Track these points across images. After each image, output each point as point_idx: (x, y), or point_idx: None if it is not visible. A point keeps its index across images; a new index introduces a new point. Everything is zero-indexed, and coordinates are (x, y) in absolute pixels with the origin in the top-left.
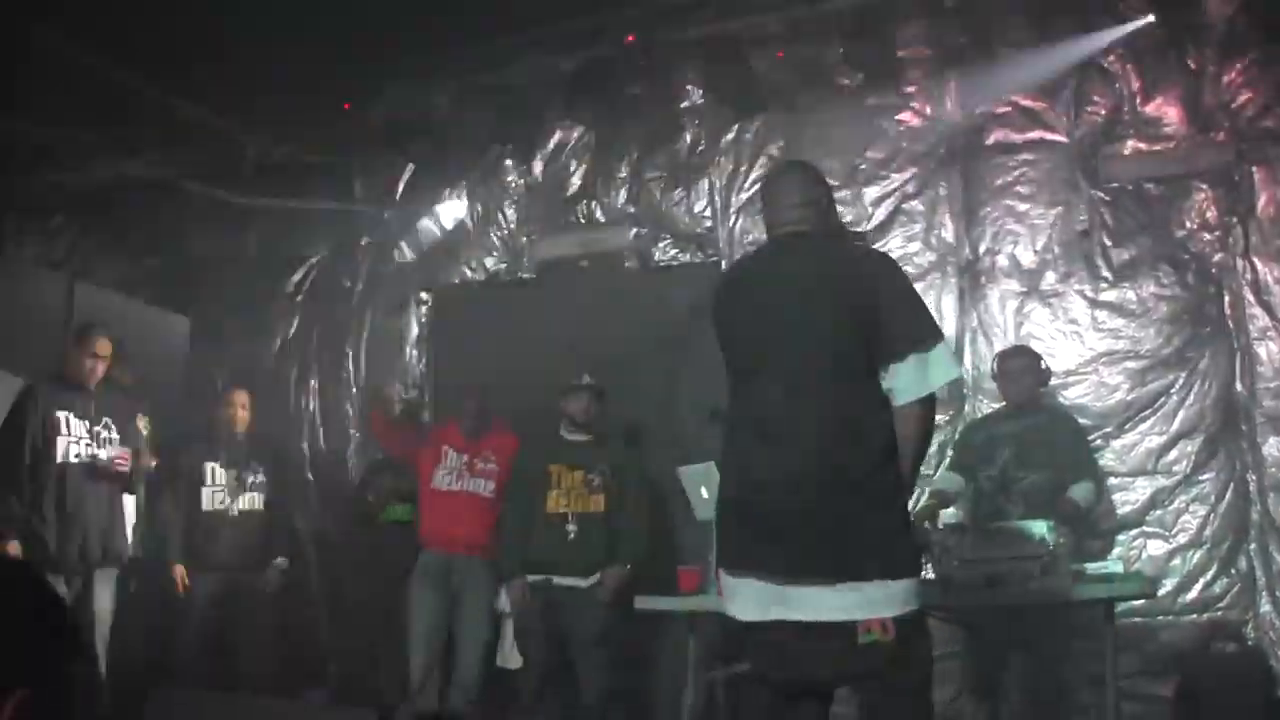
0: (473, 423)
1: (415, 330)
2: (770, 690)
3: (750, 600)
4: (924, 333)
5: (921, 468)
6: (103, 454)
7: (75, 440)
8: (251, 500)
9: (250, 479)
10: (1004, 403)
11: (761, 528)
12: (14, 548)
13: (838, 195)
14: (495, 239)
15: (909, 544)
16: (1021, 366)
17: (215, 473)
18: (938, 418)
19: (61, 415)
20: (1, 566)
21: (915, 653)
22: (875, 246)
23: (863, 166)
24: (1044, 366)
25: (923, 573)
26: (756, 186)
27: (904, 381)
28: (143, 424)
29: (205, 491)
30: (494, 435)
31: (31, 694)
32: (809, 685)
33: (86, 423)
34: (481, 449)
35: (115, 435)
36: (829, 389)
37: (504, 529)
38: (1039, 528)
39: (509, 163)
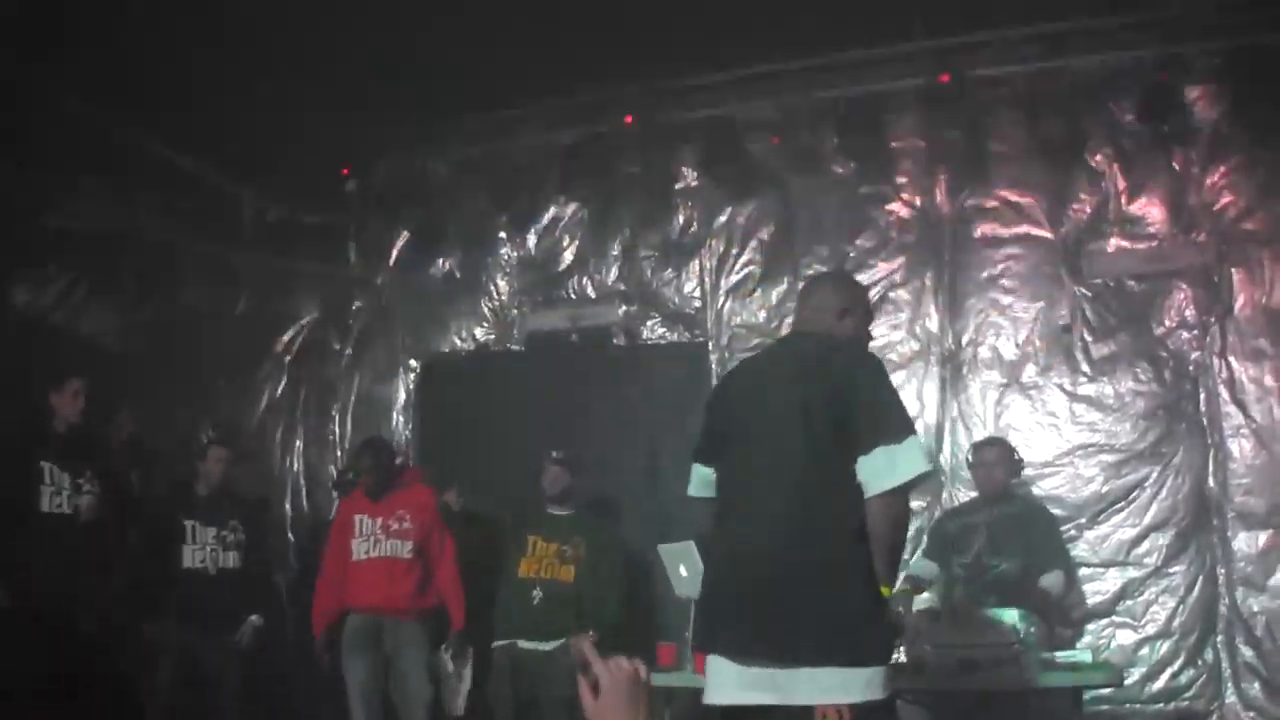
0: (374, 480)
1: (403, 397)
2: None
3: (719, 682)
4: (894, 428)
5: (900, 560)
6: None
7: (57, 490)
8: (230, 559)
9: (230, 537)
10: (979, 492)
11: (731, 609)
12: None
13: None
14: (486, 309)
15: (877, 631)
16: (995, 458)
17: (195, 530)
18: (915, 504)
19: (44, 466)
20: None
21: None
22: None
23: (851, 254)
24: (1017, 458)
25: (892, 659)
26: (746, 270)
27: (871, 473)
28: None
29: (185, 549)
30: (403, 491)
31: None
32: None
33: (69, 474)
34: (393, 508)
35: (96, 486)
36: (800, 478)
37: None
38: (1011, 616)
39: (503, 234)
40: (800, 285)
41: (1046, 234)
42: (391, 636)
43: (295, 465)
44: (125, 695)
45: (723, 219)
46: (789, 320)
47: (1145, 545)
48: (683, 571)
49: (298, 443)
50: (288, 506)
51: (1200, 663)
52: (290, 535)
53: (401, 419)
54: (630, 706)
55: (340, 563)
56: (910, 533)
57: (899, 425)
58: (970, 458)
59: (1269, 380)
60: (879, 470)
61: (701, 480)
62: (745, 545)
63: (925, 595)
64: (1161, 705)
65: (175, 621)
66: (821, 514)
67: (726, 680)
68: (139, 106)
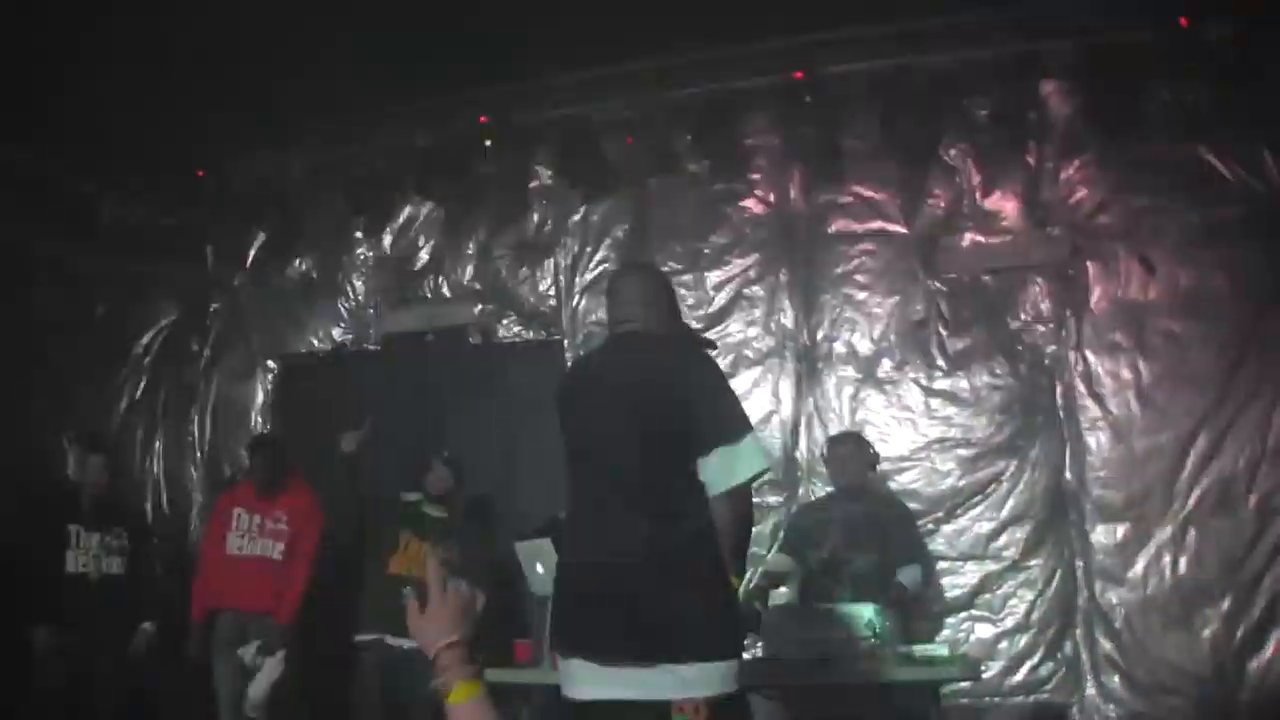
0: (264, 478)
1: (260, 398)
2: None
3: (577, 680)
4: (731, 427)
5: (747, 553)
6: None
7: None
8: (114, 564)
9: (114, 543)
10: (834, 487)
11: (584, 610)
12: None
13: (680, 280)
14: (342, 310)
15: (727, 627)
16: (849, 453)
17: (79, 536)
18: (772, 499)
19: None
20: None
21: None
22: (706, 336)
23: (706, 251)
24: (872, 452)
25: (744, 654)
26: (601, 268)
27: (711, 474)
28: None
29: (69, 554)
30: (288, 494)
31: None
32: None
33: None
34: (274, 509)
35: None
36: (643, 480)
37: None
38: (867, 610)
39: (359, 235)
40: (607, 283)
41: (901, 229)
42: (256, 637)
43: (155, 467)
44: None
45: (577, 218)
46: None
47: (1003, 539)
48: (539, 569)
49: (158, 444)
50: (148, 508)
51: (1059, 656)
52: (154, 537)
53: (260, 420)
54: (451, 624)
55: (215, 556)
56: (766, 526)
57: (736, 425)
58: (825, 453)
59: (1125, 373)
60: (719, 471)
61: None
62: (592, 549)
63: (782, 590)
64: (1021, 698)
65: (59, 627)
66: (664, 515)
67: (584, 676)
68: None
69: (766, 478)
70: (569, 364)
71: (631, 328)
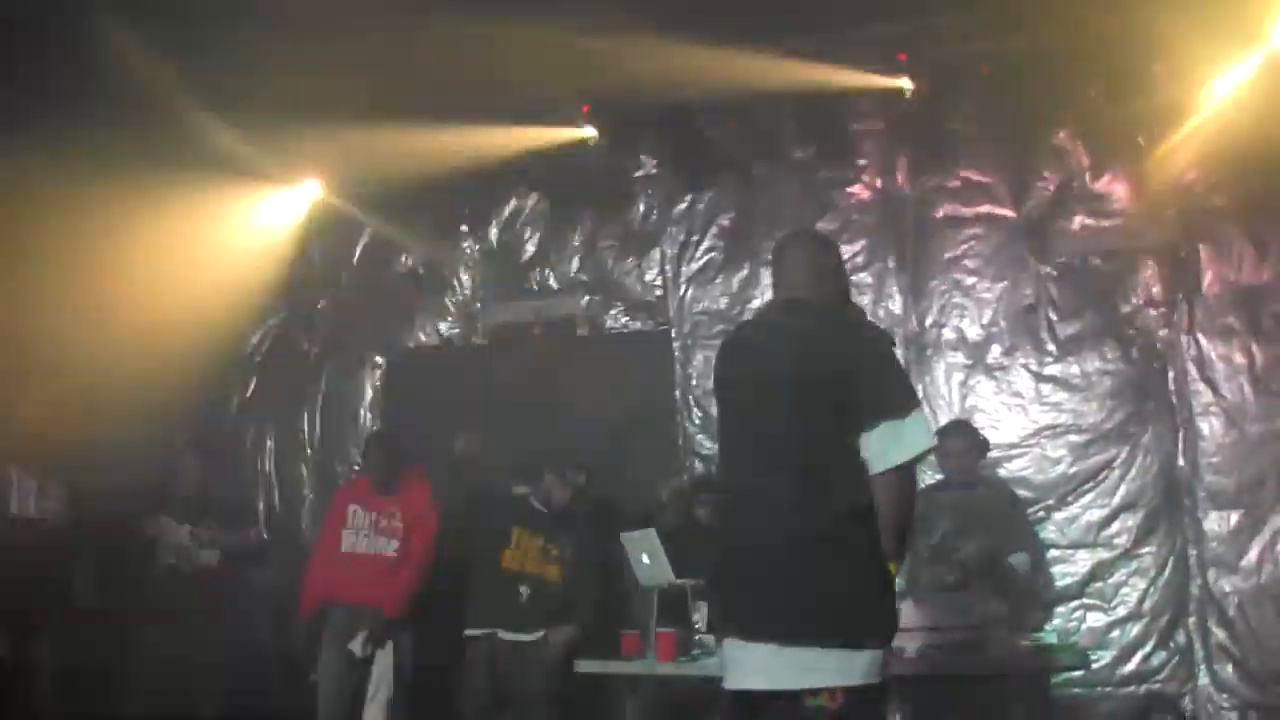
0: (382, 474)
1: (369, 394)
2: None
3: (732, 667)
4: (898, 402)
5: (907, 538)
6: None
7: (25, 496)
8: (206, 556)
9: (205, 535)
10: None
11: (737, 589)
12: None
13: None
14: (449, 304)
15: (881, 612)
16: (961, 448)
17: (172, 529)
18: None
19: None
20: None
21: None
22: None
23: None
24: (982, 439)
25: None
26: (708, 257)
27: (875, 450)
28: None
29: (161, 548)
30: (405, 490)
31: None
32: None
33: (36, 478)
34: (390, 505)
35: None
36: (803, 454)
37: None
38: (978, 597)
39: (464, 229)
40: (764, 268)
41: (1010, 213)
42: (366, 628)
43: (267, 466)
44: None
45: (682, 206)
46: (752, 306)
47: (1115, 526)
48: (645, 559)
49: (269, 443)
50: (261, 506)
51: (1172, 645)
52: (265, 534)
53: (369, 416)
54: None
55: (329, 551)
56: None
57: (903, 400)
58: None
59: (1238, 358)
60: (883, 446)
61: None
62: (750, 523)
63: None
64: (1133, 688)
65: (153, 618)
66: (825, 492)
67: (740, 665)
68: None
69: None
70: (676, 353)
71: (795, 294)
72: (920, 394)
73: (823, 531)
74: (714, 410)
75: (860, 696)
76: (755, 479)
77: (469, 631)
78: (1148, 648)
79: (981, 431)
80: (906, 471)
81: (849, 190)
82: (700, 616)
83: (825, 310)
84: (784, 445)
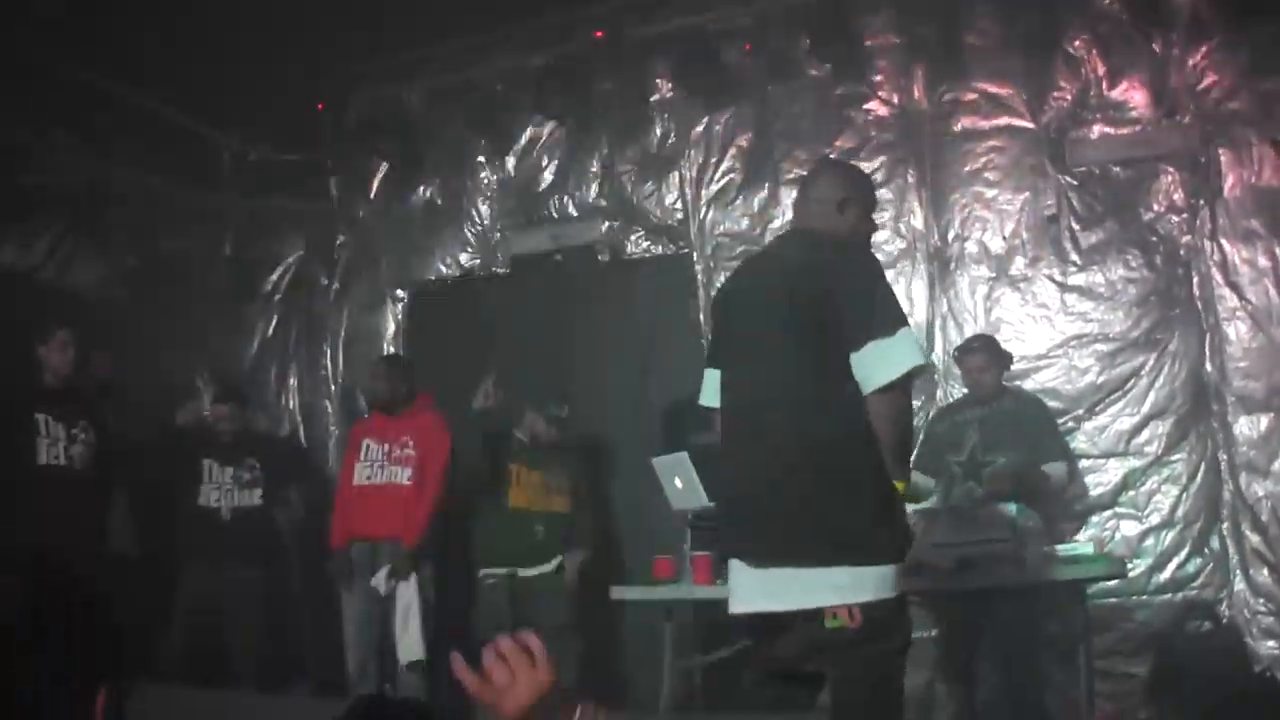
0: (386, 398)
1: (392, 327)
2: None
3: (737, 591)
4: (885, 321)
5: (909, 455)
6: (77, 454)
7: (53, 442)
8: (246, 496)
9: (246, 476)
10: (969, 392)
11: (741, 513)
12: None
13: None
14: (469, 235)
15: (886, 530)
16: (982, 363)
17: (212, 470)
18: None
19: (39, 418)
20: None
21: (882, 641)
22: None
23: (831, 156)
24: (1004, 352)
25: (904, 557)
26: (727, 179)
27: (866, 370)
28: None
29: (202, 489)
30: (414, 416)
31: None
32: (779, 666)
33: (64, 424)
34: (400, 433)
35: (91, 436)
36: (799, 377)
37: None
38: (1009, 509)
39: (481, 159)
40: (784, 187)
41: (1028, 124)
42: (388, 562)
43: (291, 403)
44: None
45: (700, 129)
46: (773, 227)
47: (1145, 434)
48: (677, 483)
49: (292, 380)
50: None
51: (1206, 551)
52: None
53: (392, 349)
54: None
55: (348, 486)
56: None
57: (890, 319)
58: (956, 358)
59: (1262, 261)
60: (873, 366)
61: (712, 386)
62: (751, 449)
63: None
64: (1169, 596)
65: (192, 560)
66: (821, 415)
67: (744, 589)
68: (107, 54)
69: None
70: (699, 277)
71: (803, 224)
72: (945, 309)
73: (821, 454)
74: None
75: (877, 612)
76: (755, 407)
77: (486, 571)
78: (1182, 555)
79: (1003, 344)
80: (899, 390)
81: (865, 106)
82: None
83: (822, 238)
84: (777, 372)
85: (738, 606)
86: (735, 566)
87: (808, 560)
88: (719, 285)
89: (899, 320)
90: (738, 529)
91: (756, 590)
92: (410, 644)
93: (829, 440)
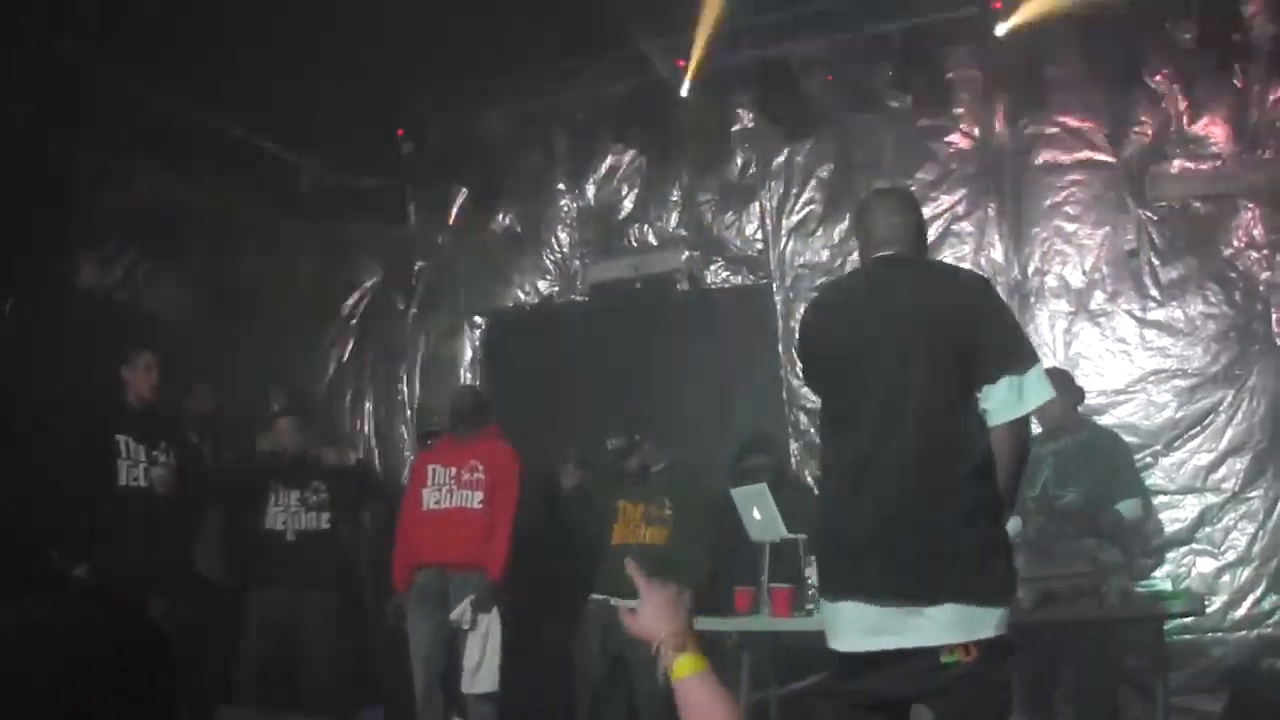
0: (462, 424)
1: (469, 354)
2: (848, 705)
3: (850, 629)
4: (1019, 355)
5: (1018, 490)
6: (156, 476)
7: (134, 464)
8: (313, 519)
9: (313, 498)
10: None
11: (862, 549)
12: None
13: None
14: (549, 262)
15: (1004, 567)
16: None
17: (278, 493)
18: None
19: (120, 439)
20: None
21: (993, 678)
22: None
23: (912, 188)
24: (1076, 387)
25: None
26: (807, 209)
27: (997, 403)
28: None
29: (269, 511)
30: (484, 443)
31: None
32: (887, 701)
33: (145, 446)
34: (468, 458)
35: (171, 458)
36: (927, 412)
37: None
38: (1090, 543)
39: (561, 187)
40: (859, 206)
41: (1108, 158)
42: (458, 592)
43: (366, 428)
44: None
45: (781, 159)
46: (853, 259)
47: (1222, 470)
48: (756, 515)
49: (367, 405)
50: (358, 457)
51: None
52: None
53: (469, 376)
54: (663, 618)
55: (413, 513)
56: None
57: (1025, 352)
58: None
59: None
60: (1006, 399)
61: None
62: (874, 480)
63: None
64: (1245, 633)
65: (263, 585)
66: (951, 446)
67: (857, 625)
68: (189, 79)
69: None
70: (779, 307)
71: (891, 252)
72: None
73: (951, 488)
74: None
75: (992, 649)
76: (877, 440)
77: (593, 595)
78: (1258, 592)
79: (1082, 378)
80: (1023, 424)
81: (947, 139)
82: (814, 573)
83: (931, 263)
84: (907, 402)
85: (855, 644)
86: (851, 605)
87: (938, 598)
88: (814, 307)
89: (1033, 354)
90: (860, 566)
91: (877, 627)
92: (485, 676)
93: (959, 475)
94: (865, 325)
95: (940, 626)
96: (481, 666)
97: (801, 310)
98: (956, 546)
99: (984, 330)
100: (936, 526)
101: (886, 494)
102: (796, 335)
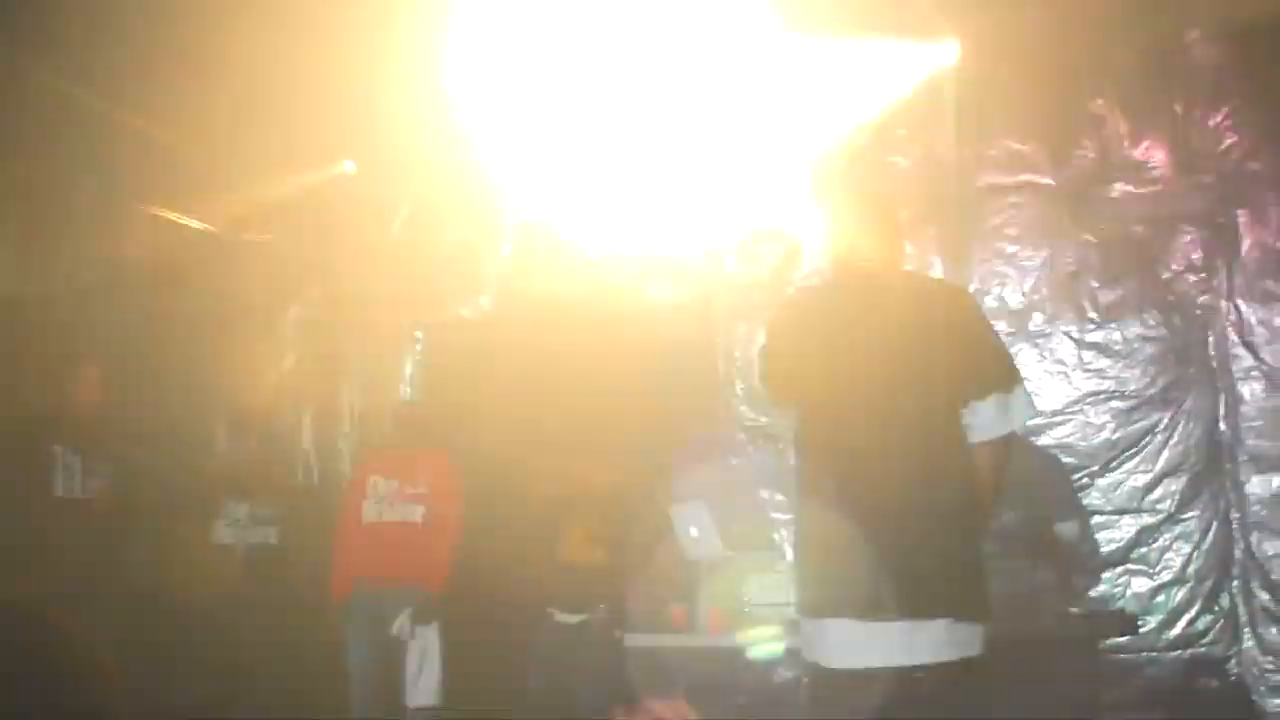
0: (403, 437)
1: (409, 368)
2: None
3: (837, 646)
4: (1007, 372)
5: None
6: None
7: (72, 475)
8: (263, 534)
9: (262, 513)
10: None
11: (851, 565)
12: None
13: None
14: (488, 277)
15: (986, 586)
16: None
17: (226, 507)
18: None
19: (59, 450)
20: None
21: (968, 696)
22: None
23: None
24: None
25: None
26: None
27: (984, 420)
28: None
29: (218, 526)
30: (427, 458)
31: None
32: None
33: (84, 457)
34: (411, 471)
35: (111, 471)
36: (912, 427)
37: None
38: (1021, 566)
39: (502, 201)
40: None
41: (1049, 181)
42: (399, 607)
43: (306, 440)
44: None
45: None
46: (799, 275)
47: (1159, 491)
48: (694, 532)
49: (306, 419)
50: (301, 478)
51: (1217, 609)
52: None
53: (408, 389)
54: None
55: (352, 526)
56: None
57: (1011, 371)
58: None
59: (1278, 322)
60: (994, 417)
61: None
62: (859, 497)
63: None
64: (1179, 652)
65: (213, 598)
66: (938, 462)
67: (848, 643)
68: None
69: None
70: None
71: (866, 264)
72: None
73: (938, 506)
74: (756, 382)
75: (975, 667)
76: (862, 457)
77: (541, 610)
78: (1192, 612)
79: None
80: (1007, 441)
81: (889, 160)
82: (751, 590)
83: (910, 276)
84: (890, 418)
85: (842, 661)
86: (840, 623)
87: (927, 615)
88: (786, 320)
89: (1018, 373)
90: (849, 583)
91: (866, 644)
92: (426, 689)
93: (945, 491)
94: (846, 340)
95: (929, 644)
96: (422, 679)
97: (744, 327)
98: (944, 564)
99: (971, 345)
100: (925, 544)
101: (873, 512)
102: (762, 347)
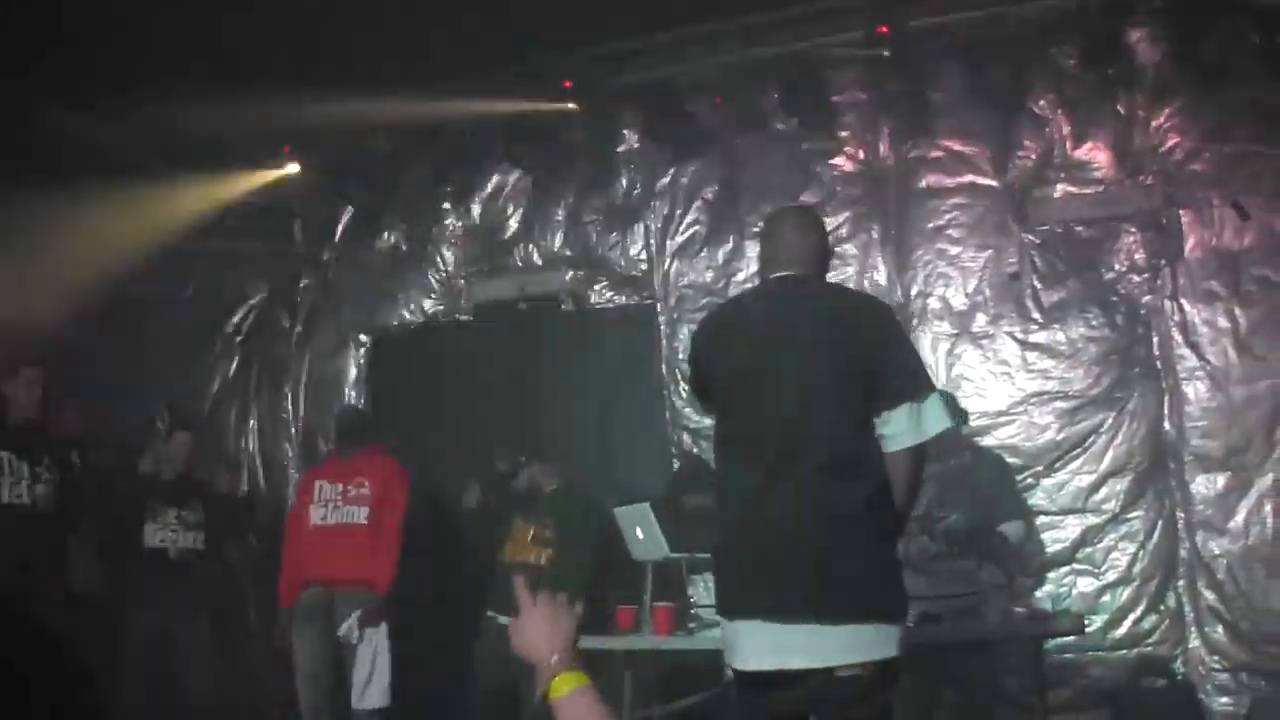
0: (347, 442)
1: (354, 372)
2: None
3: (751, 648)
4: (919, 383)
5: (911, 512)
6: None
7: (15, 481)
8: (190, 539)
9: (190, 517)
10: None
11: (761, 569)
12: None
13: None
14: (433, 281)
15: (901, 588)
16: None
17: (155, 511)
18: None
19: (1, 455)
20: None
21: (888, 693)
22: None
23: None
24: (959, 408)
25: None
26: (692, 230)
27: (896, 429)
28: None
29: (148, 529)
30: (369, 459)
31: None
32: (776, 717)
33: (27, 463)
34: (355, 475)
35: (55, 475)
36: (827, 434)
37: None
38: (970, 565)
39: (446, 205)
40: (764, 225)
41: (992, 182)
42: (346, 609)
43: (250, 445)
44: (82, 687)
45: (666, 180)
46: (737, 280)
47: (1103, 491)
48: (639, 534)
49: (252, 422)
50: (244, 486)
51: (1162, 608)
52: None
53: (354, 394)
54: (548, 638)
55: (300, 531)
56: None
57: (924, 380)
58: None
59: (1222, 321)
60: (906, 426)
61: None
62: (776, 500)
63: None
64: (1125, 652)
65: (142, 603)
66: (851, 468)
67: (760, 645)
68: (76, 95)
69: None
70: (663, 327)
71: (797, 271)
72: None
73: (852, 510)
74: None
75: (887, 669)
76: (777, 460)
77: (488, 613)
78: (1138, 611)
79: (964, 400)
80: (920, 451)
81: (831, 161)
82: (697, 591)
83: (834, 286)
84: (808, 424)
85: (756, 663)
86: (752, 624)
87: (839, 618)
88: (710, 324)
89: (931, 384)
90: (757, 587)
91: (778, 646)
92: (375, 691)
93: (859, 497)
94: (766, 345)
95: (841, 645)
96: (371, 681)
97: (686, 331)
98: (857, 567)
99: (886, 356)
100: (837, 547)
101: (787, 514)
102: (688, 352)
